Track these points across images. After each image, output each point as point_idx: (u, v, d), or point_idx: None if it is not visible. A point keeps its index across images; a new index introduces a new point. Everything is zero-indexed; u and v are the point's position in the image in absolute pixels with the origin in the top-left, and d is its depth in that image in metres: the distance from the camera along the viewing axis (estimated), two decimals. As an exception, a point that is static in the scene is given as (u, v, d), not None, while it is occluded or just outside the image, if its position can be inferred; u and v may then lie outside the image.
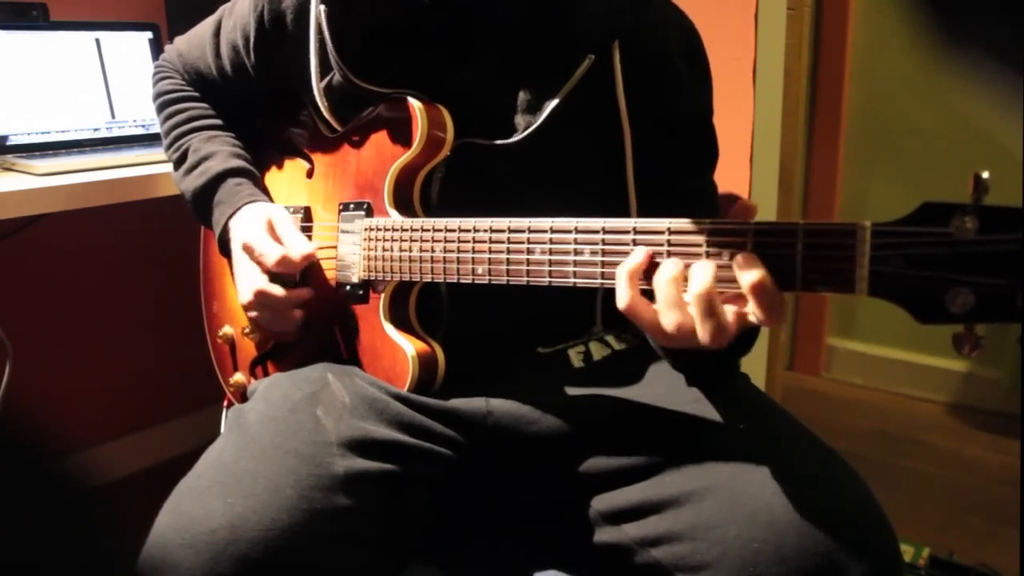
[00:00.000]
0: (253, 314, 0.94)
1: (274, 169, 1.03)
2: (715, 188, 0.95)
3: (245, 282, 0.92)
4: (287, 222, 0.92)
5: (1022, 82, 0.41)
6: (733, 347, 0.69)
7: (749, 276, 0.59)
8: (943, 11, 0.44)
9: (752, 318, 0.61)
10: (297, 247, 0.89)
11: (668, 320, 0.63)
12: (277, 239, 0.91)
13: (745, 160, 1.44)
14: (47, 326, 1.74)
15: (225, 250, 0.97)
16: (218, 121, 1.05)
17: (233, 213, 0.95)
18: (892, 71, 2.27)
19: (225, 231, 0.95)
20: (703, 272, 0.61)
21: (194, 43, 1.06)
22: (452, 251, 0.78)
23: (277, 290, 0.90)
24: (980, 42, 0.43)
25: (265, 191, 1.01)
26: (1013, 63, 0.41)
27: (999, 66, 0.42)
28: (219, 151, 0.99)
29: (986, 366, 2.25)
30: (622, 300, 0.65)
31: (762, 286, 0.58)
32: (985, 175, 0.52)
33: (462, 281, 0.78)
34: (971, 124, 1.87)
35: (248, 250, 0.91)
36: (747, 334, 0.70)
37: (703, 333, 0.62)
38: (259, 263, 0.90)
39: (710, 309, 0.61)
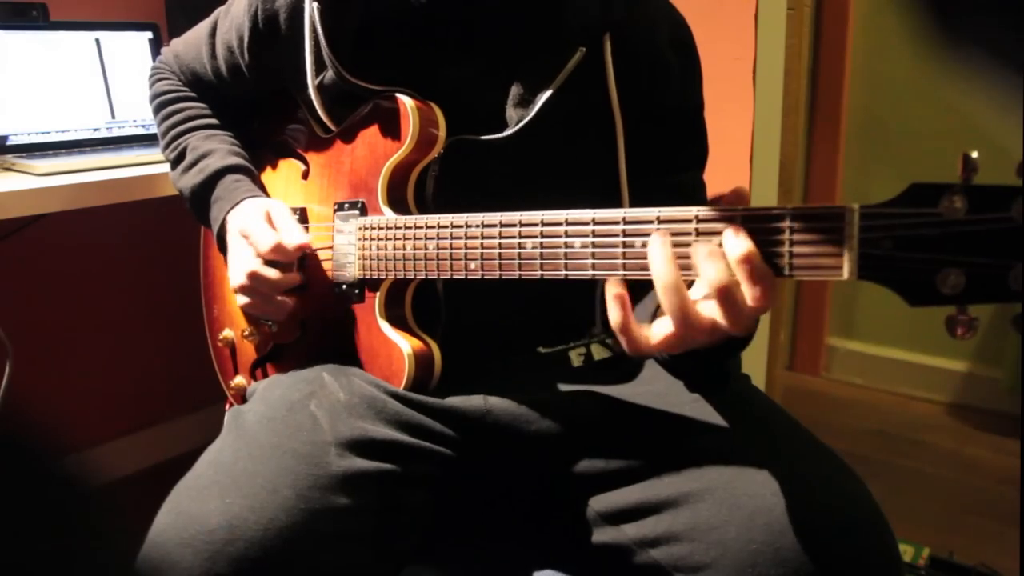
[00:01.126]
0: (244, 300, 0.92)
1: (270, 171, 1.03)
2: (704, 186, 0.96)
3: (239, 265, 0.91)
4: (285, 214, 0.92)
5: (1022, 82, 0.41)
6: (728, 343, 0.68)
7: (737, 249, 0.58)
8: (943, 11, 0.44)
9: (748, 299, 0.59)
10: (293, 236, 0.89)
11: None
12: (274, 228, 0.91)
13: (745, 160, 1.44)
14: (47, 326, 1.74)
15: (223, 247, 0.97)
16: (215, 120, 1.05)
17: (232, 208, 0.95)
18: (892, 71, 2.27)
19: (223, 226, 0.95)
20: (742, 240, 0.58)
21: (190, 44, 1.06)
22: (445, 247, 0.78)
23: (270, 273, 0.89)
24: (980, 42, 0.43)
25: (263, 189, 1.01)
26: (1013, 63, 0.41)
27: (999, 66, 0.42)
28: (217, 149, 0.99)
29: (986, 366, 2.25)
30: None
31: (750, 259, 0.57)
32: (974, 154, 0.51)
33: (455, 277, 0.78)
34: (971, 124, 1.87)
35: (245, 236, 0.91)
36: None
37: (723, 318, 0.59)
38: (255, 248, 0.90)
39: (725, 291, 0.59)
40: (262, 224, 0.90)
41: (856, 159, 2.41)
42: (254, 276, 0.89)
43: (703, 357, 0.75)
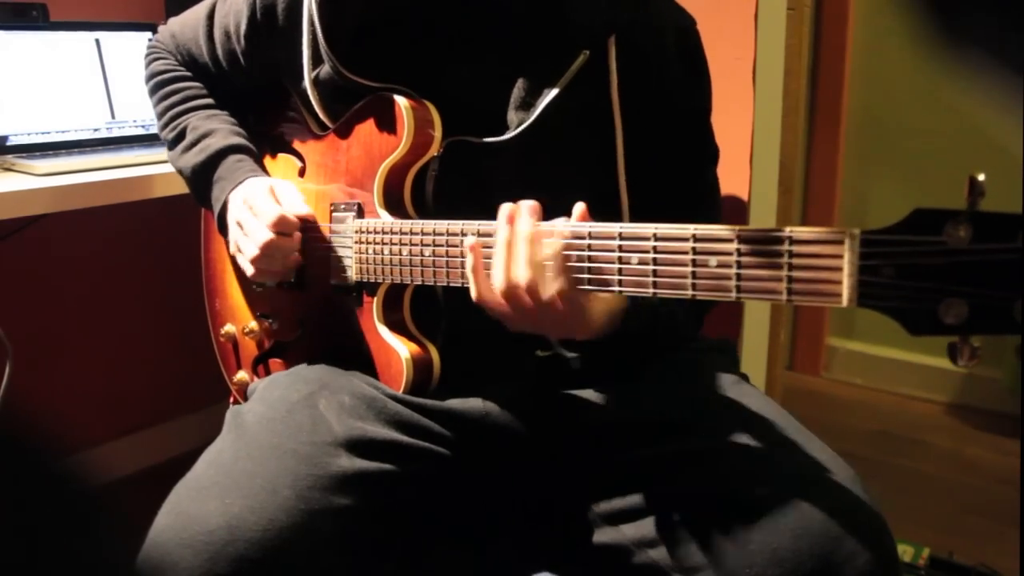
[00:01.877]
0: (254, 270, 0.92)
1: (267, 165, 1.03)
2: (717, 185, 0.95)
3: (243, 238, 0.92)
4: (290, 189, 0.93)
5: (1022, 82, 0.41)
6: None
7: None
8: (943, 11, 0.43)
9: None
10: (294, 208, 0.90)
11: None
12: (278, 203, 0.91)
13: (745, 160, 1.44)
14: (47, 326, 1.74)
15: (223, 227, 0.97)
16: (213, 100, 1.04)
17: (234, 187, 0.94)
18: (892, 71, 2.27)
19: (224, 207, 0.95)
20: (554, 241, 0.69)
21: (187, 24, 1.05)
22: (441, 255, 0.78)
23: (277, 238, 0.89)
24: (980, 42, 0.42)
25: (264, 170, 1.00)
26: (1013, 63, 0.41)
27: (999, 66, 0.42)
28: (219, 128, 0.99)
29: (986, 366, 2.25)
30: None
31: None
32: (981, 178, 0.50)
33: (452, 284, 0.78)
34: (971, 124, 1.87)
35: (249, 208, 0.91)
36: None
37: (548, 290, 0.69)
38: (261, 219, 0.89)
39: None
40: (268, 197, 0.90)
41: (856, 159, 2.41)
42: (268, 245, 0.89)
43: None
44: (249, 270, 0.93)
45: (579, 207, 0.70)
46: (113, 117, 1.53)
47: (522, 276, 0.69)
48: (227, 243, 0.98)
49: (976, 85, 0.43)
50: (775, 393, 1.63)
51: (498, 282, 0.70)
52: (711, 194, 0.95)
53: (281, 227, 0.88)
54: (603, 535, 0.78)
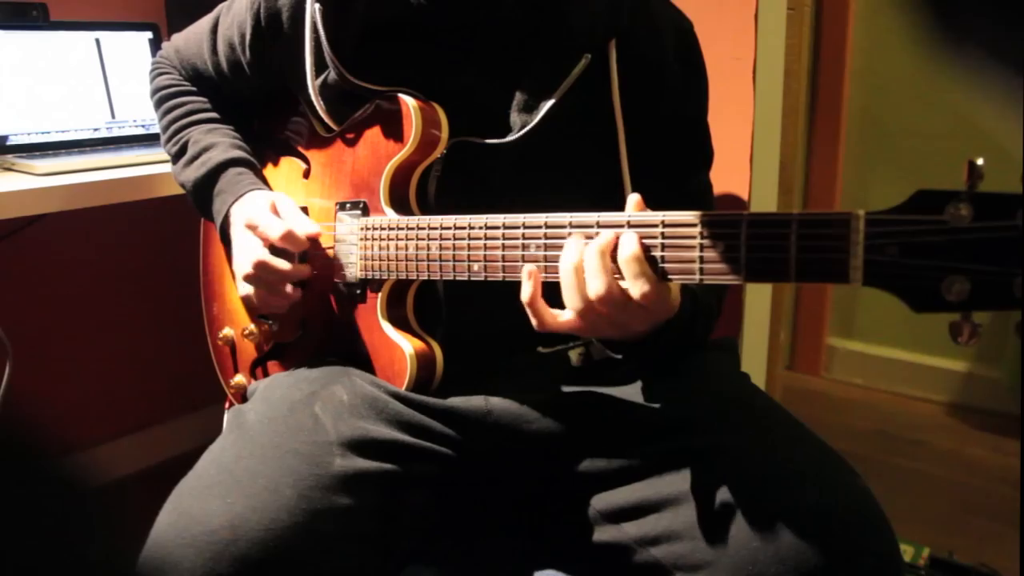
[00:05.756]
0: (249, 291, 0.92)
1: (271, 169, 1.03)
2: (710, 185, 0.96)
3: (246, 255, 0.90)
4: (291, 205, 0.92)
5: (1022, 82, 0.41)
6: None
7: (626, 250, 0.65)
8: (943, 11, 0.44)
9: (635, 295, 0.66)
10: (303, 224, 0.89)
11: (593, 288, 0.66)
12: (280, 218, 0.90)
13: (745, 160, 1.44)
14: (47, 326, 1.74)
15: (226, 239, 0.97)
16: (216, 115, 1.05)
17: (235, 200, 0.94)
18: (892, 71, 2.27)
19: (226, 219, 0.95)
20: (630, 240, 0.66)
21: (191, 40, 1.06)
22: (448, 249, 0.79)
23: (279, 263, 0.89)
24: (980, 42, 0.43)
25: (265, 182, 1.01)
26: (1012, 62, 0.41)
27: (998, 65, 0.42)
28: (220, 142, 0.99)
29: (986, 366, 2.25)
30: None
31: (637, 260, 0.65)
32: (980, 162, 0.52)
33: (458, 279, 0.79)
34: (970, 124, 1.87)
35: (252, 227, 0.90)
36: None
37: (636, 291, 0.65)
38: (263, 238, 0.89)
39: (638, 270, 0.65)
40: (269, 214, 0.90)
41: (856, 159, 2.41)
42: (262, 265, 0.89)
43: (639, 346, 0.79)
44: (243, 290, 0.92)
45: (634, 197, 0.69)
46: (113, 117, 1.53)
47: (600, 289, 0.66)
48: (229, 254, 0.98)
49: (975, 84, 0.43)
50: (775, 393, 1.63)
51: (574, 304, 0.68)
52: (705, 195, 0.96)
53: (289, 242, 0.88)
54: (604, 533, 0.78)
